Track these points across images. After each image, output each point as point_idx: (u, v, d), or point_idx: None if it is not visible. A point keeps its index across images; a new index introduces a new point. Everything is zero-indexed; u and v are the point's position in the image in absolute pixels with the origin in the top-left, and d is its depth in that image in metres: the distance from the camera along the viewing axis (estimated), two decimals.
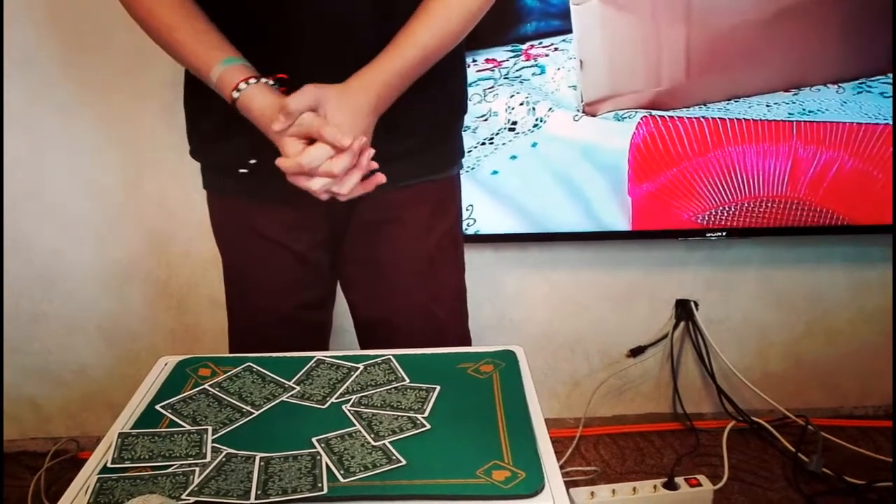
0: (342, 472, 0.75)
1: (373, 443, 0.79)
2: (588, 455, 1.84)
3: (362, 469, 0.75)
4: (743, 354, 1.89)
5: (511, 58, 1.56)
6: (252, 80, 0.94)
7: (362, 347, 1.22)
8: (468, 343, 1.23)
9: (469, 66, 1.54)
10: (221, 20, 0.98)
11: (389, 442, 0.80)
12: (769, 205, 1.66)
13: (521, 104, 1.59)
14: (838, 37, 1.57)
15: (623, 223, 1.67)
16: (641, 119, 1.60)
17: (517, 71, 1.57)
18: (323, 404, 0.88)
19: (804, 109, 1.60)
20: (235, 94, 0.94)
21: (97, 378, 1.85)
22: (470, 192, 1.61)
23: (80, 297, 1.77)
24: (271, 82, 0.95)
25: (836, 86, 1.59)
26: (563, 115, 1.60)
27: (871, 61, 1.58)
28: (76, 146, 1.64)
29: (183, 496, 0.71)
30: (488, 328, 1.83)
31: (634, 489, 1.58)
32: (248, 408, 0.87)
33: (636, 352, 1.88)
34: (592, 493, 1.56)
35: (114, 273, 1.76)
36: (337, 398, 0.89)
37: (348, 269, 1.18)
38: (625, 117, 1.60)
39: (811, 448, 1.75)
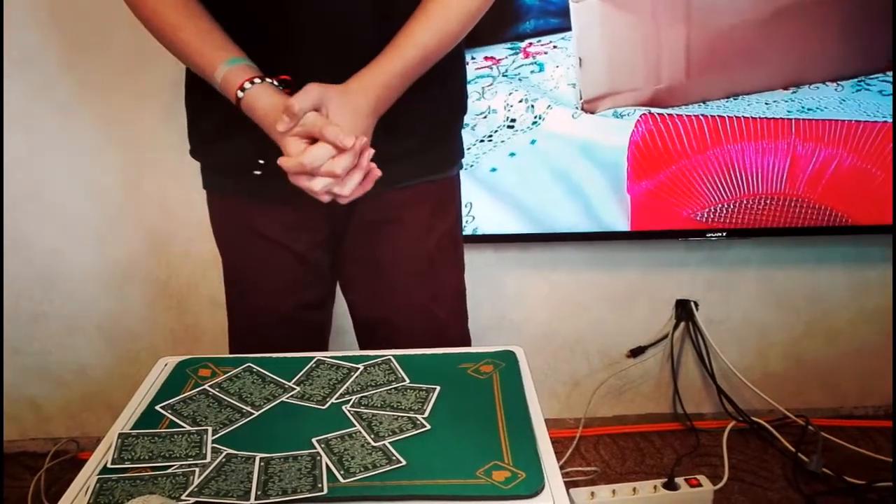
0: (342, 472, 0.75)
1: (373, 443, 0.79)
2: (588, 455, 1.84)
3: (362, 469, 0.75)
4: (743, 354, 1.89)
5: (510, 55, 1.57)
6: (256, 81, 0.94)
7: (362, 348, 1.22)
8: (468, 343, 1.23)
9: (468, 64, 1.54)
10: (222, 20, 0.98)
11: (389, 442, 0.80)
12: (768, 202, 1.66)
13: (520, 102, 1.59)
14: (837, 35, 1.57)
15: (622, 220, 1.67)
16: (640, 116, 1.60)
17: (516, 68, 1.57)
18: (323, 405, 0.88)
19: (803, 107, 1.60)
20: (240, 94, 0.94)
21: (97, 378, 1.85)
22: (469, 190, 1.61)
23: (80, 298, 1.77)
24: (275, 83, 0.95)
25: (835, 84, 1.59)
26: (562, 113, 1.60)
27: (871, 59, 1.58)
28: (76, 146, 1.64)
29: (183, 497, 0.71)
30: (488, 328, 1.83)
31: (634, 489, 1.58)
32: (248, 408, 0.87)
33: (636, 352, 1.88)
34: (592, 494, 1.56)
35: (114, 273, 1.76)
36: (337, 399, 0.89)
37: (348, 269, 1.18)
38: (624, 115, 1.60)
39: (811, 448, 1.75)
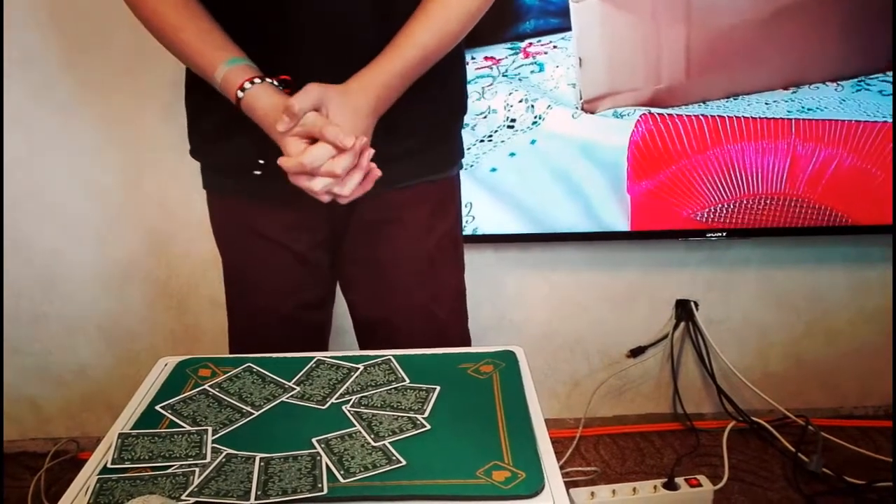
0: (342, 472, 0.75)
1: (373, 443, 0.79)
2: (588, 455, 1.84)
3: (362, 469, 0.75)
4: (743, 354, 1.89)
5: (510, 55, 1.57)
6: (256, 81, 0.94)
7: (362, 347, 1.22)
8: (468, 343, 1.23)
9: (468, 64, 1.54)
10: (222, 20, 0.98)
11: (389, 442, 0.80)
12: (768, 202, 1.66)
13: (520, 102, 1.59)
14: (837, 35, 1.57)
15: (622, 221, 1.67)
16: (640, 116, 1.60)
17: (516, 68, 1.57)
18: (323, 405, 0.88)
19: (803, 107, 1.60)
20: (240, 94, 0.94)
21: (97, 378, 1.85)
22: (469, 190, 1.61)
23: (80, 298, 1.77)
24: (275, 83, 0.95)
25: (835, 84, 1.59)
26: (562, 113, 1.60)
27: (871, 59, 1.58)
28: (76, 146, 1.64)
29: (183, 497, 0.71)
30: (489, 328, 1.83)
31: (634, 489, 1.58)
32: (248, 408, 0.87)
33: (636, 352, 1.88)
34: (592, 494, 1.56)
35: (114, 273, 1.76)
36: (337, 399, 0.89)
37: (348, 269, 1.18)
38: (624, 115, 1.60)
39: (811, 448, 1.75)
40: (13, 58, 1.57)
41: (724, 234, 1.69)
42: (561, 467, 1.09)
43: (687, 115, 1.60)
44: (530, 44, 1.56)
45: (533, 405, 0.87)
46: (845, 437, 1.82)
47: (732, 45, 1.56)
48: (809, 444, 1.77)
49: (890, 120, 1.60)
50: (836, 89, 1.60)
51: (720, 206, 1.66)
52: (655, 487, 1.58)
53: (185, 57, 0.99)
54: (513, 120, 1.60)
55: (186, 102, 1.10)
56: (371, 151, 0.93)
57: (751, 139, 1.61)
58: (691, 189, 1.65)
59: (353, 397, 0.89)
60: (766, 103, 1.60)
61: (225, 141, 1.06)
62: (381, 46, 0.97)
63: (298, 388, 0.91)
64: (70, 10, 1.54)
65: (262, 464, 0.76)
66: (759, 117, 1.60)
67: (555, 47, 1.56)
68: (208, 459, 0.77)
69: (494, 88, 1.58)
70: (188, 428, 0.83)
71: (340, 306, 1.25)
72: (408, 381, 0.92)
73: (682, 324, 1.87)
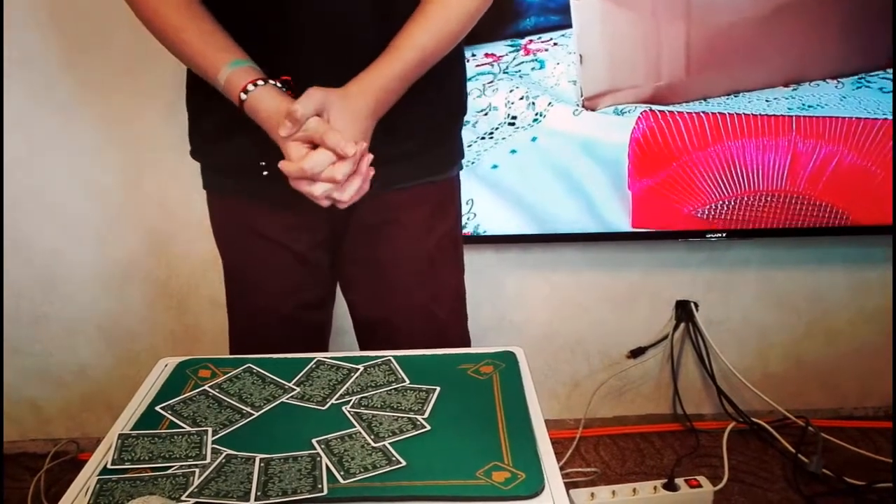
0: (342, 473, 0.75)
1: (373, 444, 0.79)
2: (588, 456, 1.84)
3: (362, 470, 0.75)
4: (743, 355, 1.89)
5: (510, 52, 1.57)
6: (259, 83, 0.94)
7: (362, 348, 1.22)
8: (468, 344, 1.23)
9: (468, 61, 1.54)
10: (222, 20, 0.98)
11: (389, 443, 0.80)
12: (769, 199, 1.66)
13: (521, 99, 1.59)
14: (838, 32, 1.57)
15: (623, 218, 1.67)
16: (641, 114, 1.60)
17: (517, 66, 1.57)
18: (323, 405, 0.88)
19: (803, 104, 1.60)
20: (243, 97, 0.94)
21: (97, 379, 1.85)
22: (470, 187, 1.62)
23: (80, 298, 1.77)
24: (278, 84, 0.95)
25: (835, 81, 1.60)
26: (563, 110, 1.60)
27: (871, 57, 1.59)
28: (76, 146, 1.64)
29: (183, 497, 0.71)
30: (489, 329, 1.83)
31: (634, 490, 1.58)
32: (248, 409, 0.87)
33: (636, 353, 1.88)
34: (592, 495, 1.56)
35: (114, 273, 1.76)
36: (337, 399, 0.89)
37: (348, 269, 1.18)
38: (625, 112, 1.60)
39: (811, 449, 1.75)
40: (13, 58, 1.57)
41: (724, 234, 1.69)
42: (561, 468, 1.09)
43: (688, 112, 1.60)
44: (531, 41, 1.56)
45: (533, 406, 0.87)
46: (845, 437, 1.82)
47: (733, 43, 1.56)
48: (809, 444, 1.77)
49: (890, 117, 1.60)
50: (836, 86, 1.60)
51: (721, 202, 1.66)
52: (655, 488, 1.58)
53: (186, 58, 0.99)
54: (514, 117, 1.60)
55: (188, 103, 1.10)
56: (370, 157, 0.93)
57: (751, 136, 1.62)
58: (692, 186, 1.65)
59: (353, 398, 0.89)
60: (767, 100, 1.60)
61: (225, 141, 1.06)
62: (381, 46, 0.97)
63: (298, 389, 0.91)
64: (70, 10, 1.54)
65: (262, 464, 0.76)
66: (760, 114, 1.60)
67: (555, 44, 1.56)
68: (208, 460, 0.77)
69: (495, 85, 1.58)
70: (188, 428, 0.83)
71: (340, 306, 1.25)
72: (408, 381, 0.92)
73: (683, 324, 1.87)
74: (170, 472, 0.75)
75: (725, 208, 1.67)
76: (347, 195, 0.92)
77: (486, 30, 1.54)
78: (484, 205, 1.66)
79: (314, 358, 0.98)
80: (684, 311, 1.85)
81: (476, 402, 0.88)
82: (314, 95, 0.91)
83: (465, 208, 1.63)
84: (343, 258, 1.17)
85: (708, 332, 1.85)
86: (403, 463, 0.76)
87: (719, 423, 1.90)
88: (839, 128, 1.61)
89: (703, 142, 1.62)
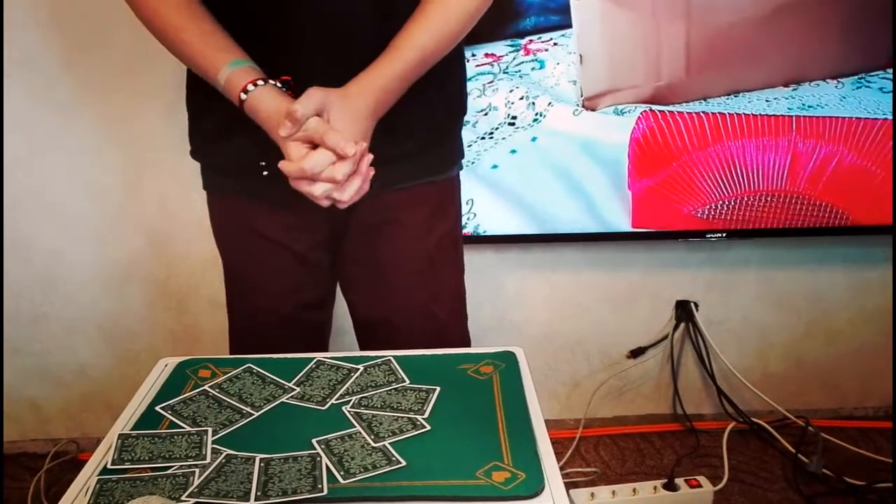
0: (342, 473, 0.75)
1: (373, 444, 0.79)
2: (588, 456, 1.84)
3: (362, 470, 0.75)
4: (743, 355, 1.89)
5: (510, 52, 1.57)
6: (260, 83, 0.94)
7: (362, 348, 1.22)
8: (468, 344, 1.23)
9: (468, 61, 1.54)
10: (221, 20, 0.98)
11: (389, 443, 0.80)
12: (769, 199, 1.66)
13: (521, 99, 1.59)
14: (838, 32, 1.57)
15: (623, 218, 1.67)
16: (641, 114, 1.60)
17: (517, 66, 1.57)
18: (323, 405, 0.88)
19: (803, 104, 1.60)
20: (243, 97, 0.94)
21: (97, 379, 1.85)
22: (470, 187, 1.62)
23: (79, 298, 1.77)
24: (278, 84, 0.95)
25: (835, 81, 1.60)
26: (563, 110, 1.60)
27: (871, 57, 1.59)
28: (76, 146, 1.64)
29: (183, 497, 0.71)
30: (489, 329, 1.83)
31: (634, 490, 1.58)
32: (248, 409, 0.87)
33: (636, 353, 1.88)
34: (592, 495, 1.56)
35: (114, 273, 1.76)
36: (337, 399, 0.89)
37: (348, 269, 1.18)
38: (625, 112, 1.60)
39: (811, 449, 1.75)
40: (13, 58, 1.57)
41: (724, 234, 1.69)
42: (561, 468, 1.09)
43: (688, 112, 1.60)
44: (531, 41, 1.57)
45: (533, 406, 0.87)
46: (845, 437, 1.82)
47: (733, 43, 1.56)
48: (809, 444, 1.77)
49: (890, 117, 1.60)
50: (836, 86, 1.60)
51: (721, 202, 1.66)
52: (655, 488, 1.58)
53: (186, 58, 0.98)
54: (514, 117, 1.60)
55: (187, 103, 1.10)
56: (370, 157, 0.93)
57: (751, 136, 1.62)
58: (692, 186, 1.65)
59: (353, 398, 0.89)
60: (767, 100, 1.60)
61: (225, 141, 1.06)
62: (381, 46, 0.97)
63: (298, 389, 0.91)
64: (70, 10, 1.54)
65: (261, 464, 0.76)
66: (760, 114, 1.61)
67: (555, 44, 1.56)
68: (208, 460, 0.77)
69: (495, 85, 1.58)
70: (188, 428, 0.83)
71: (340, 306, 1.25)
72: (408, 381, 0.92)
73: (683, 324, 1.87)
74: (170, 472, 0.75)
75: (725, 208, 1.67)
76: (347, 195, 0.92)
77: (486, 30, 1.54)
78: (484, 205, 1.66)
79: (314, 358, 0.98)
80: (684, 311, 1.85)
81: (476, 402, 0.88)
82: (314, 95, 0.91)
83: (465, 208, 1.63)
84: (343, 258, 1.17)
85: (708, 332, 1.85)
86: (403, 463, 0.76)
87: (719, 423, 1.90)
88: (839, 128, 1.61)
89: (703, 142, 1.62)
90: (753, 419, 1.88)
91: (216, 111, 1.02)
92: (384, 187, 1.03)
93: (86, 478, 0.76)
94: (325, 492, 0.72)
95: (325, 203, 0.93)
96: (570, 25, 1.55)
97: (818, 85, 1.60)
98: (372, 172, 0.94)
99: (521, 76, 1.58)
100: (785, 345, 1.90)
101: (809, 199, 1.66)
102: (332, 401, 0.88)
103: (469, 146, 1.59)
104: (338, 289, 1.24)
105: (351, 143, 0.89)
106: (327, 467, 0.76)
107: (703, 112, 1.60)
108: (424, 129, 1.08)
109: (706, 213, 1.67)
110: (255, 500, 0.71)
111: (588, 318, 1.87)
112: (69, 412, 1.88)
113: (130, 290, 1.77)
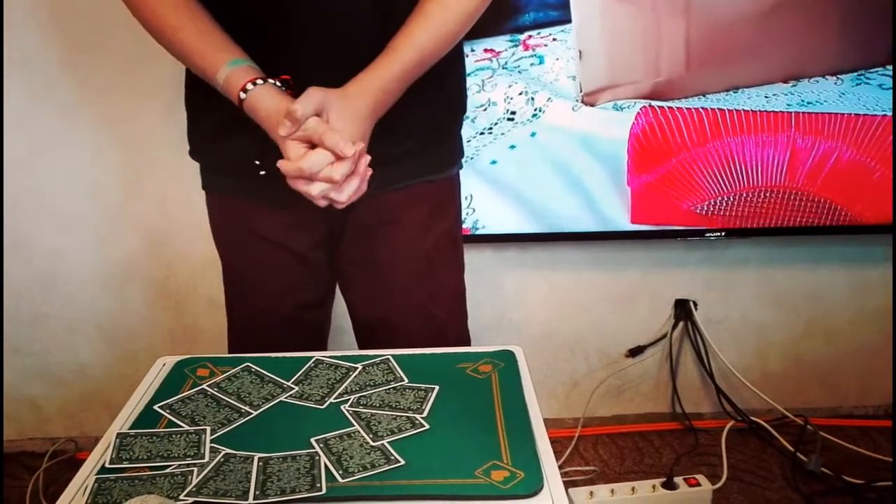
0: (341, 472, 0.75)
1: (371, 443, 0.79)
2: (587, 455, 1.84)
3: (361, 469, 0.75)
4: (742, 354, 1.89)
5: (510, 48, 1.57)
6: (259, 82, 0.94)
7: (361, 347, 1.22)
8: (467, 343, 1.23)
9: (468, 56, 1.54)
10: (221, 20, 0.98)
11: (388, 442, 0.80)
12: (768, 195, 1.66)
13: (520, 94, 1.59)
14: (837, 29, 1.57)
15: (622, 213, 1.68)
16: (641, 109, 1.60)
17: (516, 61, 1.57)
18: (321, 404, 0.88)
19: (803, 100, 1.60)
20: (242, 96, 0.94)
21: (96, 378, 1.85)
22: (469, 182, 1.62)
23: (79, 298, 1.77)
24: (278, 83, 0.95)
25: (834, 77, 1.60)
26: (562, 105, 1.60)
27: (870, 53, 1.59)
28: (76, 146, 1.65)
29: (181, 496, 0.71)
30: (488, 328, 1.83)
31: (633, 489, 1.58)
32: (247, 408, 0.87)
33: (635, 352, 1.89)
34: (591, 493, 1.56)
35: (113, 273, 1.76)
36: (335, 398, 0.89)
37: (346, 269, 1.18)
38: (624, 107, 1.60)
39: (810, 448, 1.75)
40: (13, 58, 1.57)
41: (723, 233, 1.69)
42: (560, 467, 1.09)
43: (687, 108, 1.60)
44: (530, 36, 1.57)
45: (532, 405, 0.87)
46: (844, 436, 1.82)
47: (732, 39, 1.57)
48: (808, 443, 1.77)
49: (889, 113, 1.60)
50: (835, 83, 1.60)
51: (720, 198, 1.67)
52: (654, 487, 1.58)
53: (185, 57, 0.98)
54: (513, 112, 1.60)
55: (186, 103, 1.10)
56: (368, 157, 0.93)
57: (751, 132, 1.62)
58: (691, 182, 1.65)
59: (352, 397, 0.89)
60: (766, 96, 1.60)
61: (225, 140, 1.06)
62: (381, 46, 0.97)
63: (297, 388, 0.91)
64: (70, 10, 1.54)
65: (260, 463, 0.76)
66: (759, 110, 1.61)
67: (554, 40, 1.56)
68: (207, 459, 0.77)
69: (494, 81, 1.59)
70: (186, 428, 0.83)
71: (340, 306, 1.25)
72: (406, 380, 0.92)
73: (681, 323, 1.87)
74: (168, 471, 0.75)
75: (724, 204, 1.67)
76: (345, 195, 0.92)
77: (486, 25, 1.53)
78: (483, 200, 1.66)
79: (313, 357, 0.98)
80: (683, 310, 1.85)
81: (475, 401, 0.88)
82: (314, 95, 0.91)
83: (464, 203, 1.63)
84: (341, 258, 1.17)
85: (707, 330, 1.85)
86: (402, 462, 0.76)
87: (718, 421, 1.90)
88: (838, 124, 1.61)
89: (703, 138, 1.62)
90: (752, 418, 1.88)
91: (215, 111, 1.02)
92: (382, 187, 1.03)
93: (84, 477, 0.76)
94: (324, 491, 0.72)
95: (323, 203, 0.93)
96: (569, 21, 1.55)
97: (817, 81, 1.60)
98: (370, 173, 0.94)
99: (520, 72, 1.58)
100: (784, 343, 1.91)
101: (808, 195, 1.66)
102: (331, 400, 0.89)
103: (468, 141, 1.60)
104: (337, 289, 1.24)
105: (349, 143, 0.89)
106: (326, 466, 0.76)
107: (703, 108, 1.60)
108: (424, 129, 1.08)
109: (705, 208, 1.67)
110: (254, 499, 0.71)
111: (587, 317, 1.87)
112: (68, 411, 1.88)
113: (130, 289, 1.78)
